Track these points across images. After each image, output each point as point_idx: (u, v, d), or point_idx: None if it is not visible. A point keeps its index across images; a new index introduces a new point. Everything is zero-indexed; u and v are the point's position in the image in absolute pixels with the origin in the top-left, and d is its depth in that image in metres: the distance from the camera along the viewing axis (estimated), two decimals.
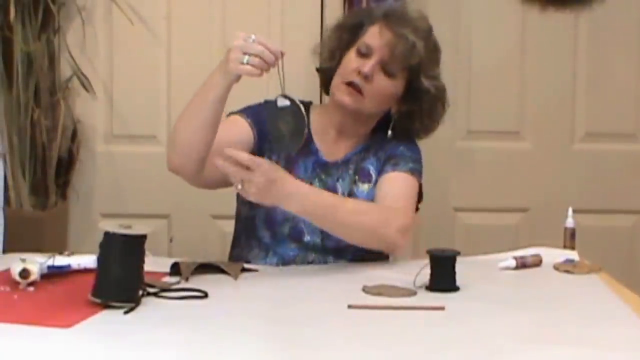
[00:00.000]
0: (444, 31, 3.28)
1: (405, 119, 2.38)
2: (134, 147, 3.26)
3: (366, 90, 2.28)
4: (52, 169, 3.12)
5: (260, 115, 2.31)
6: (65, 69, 3.16)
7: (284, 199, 2.08)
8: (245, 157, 2.03)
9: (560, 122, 3.33)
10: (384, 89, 2.30)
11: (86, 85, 3.17)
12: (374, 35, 2.30)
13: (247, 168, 2.03)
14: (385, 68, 2.29)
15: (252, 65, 2.04)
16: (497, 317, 1.83)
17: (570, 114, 3.33)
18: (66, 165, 3.18)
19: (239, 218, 2.41)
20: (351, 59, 2.31)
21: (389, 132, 2.37)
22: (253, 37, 2.05)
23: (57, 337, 1.65)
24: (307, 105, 2.43)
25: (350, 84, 2.28)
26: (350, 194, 2.33)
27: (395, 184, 2.31)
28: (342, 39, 2.37)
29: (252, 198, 2.05)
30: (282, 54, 2.06)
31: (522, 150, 3.34)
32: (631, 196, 3.33)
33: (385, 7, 2.40)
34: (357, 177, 2.35)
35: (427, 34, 2.34)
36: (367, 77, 2.27)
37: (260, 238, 2.31)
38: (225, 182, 2.24)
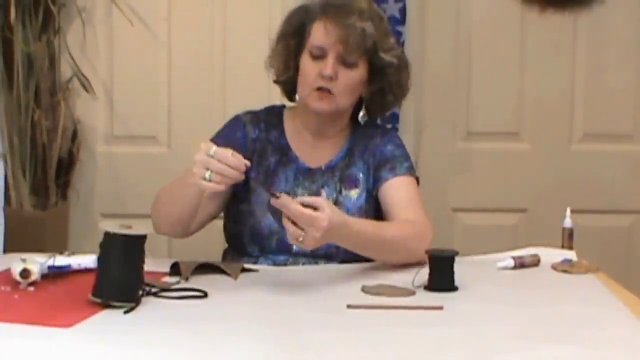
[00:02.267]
0: (444, 32, 3.30)
1: (377, 96, 2.36)
2: (134, 147, 3.27)
3: (335, 89, 2.26)
4: (53, 169, 3.13)
5: (234, 143, 2.27)
6: (65, 70, 3.17)
7: (337, 242, 2.09)
8: (301, 212, 1.94)
9: (558, 123, 3.34)
10: (351, 80, 2.28)
11: (86, 86, 3.17)
12: (321, 34, 2.26)
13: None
14: (344, 62, 2.26)
15: (214, 182, 1.98)
16: (495, 317, 1.83)
17: (568, 115, 3.33)
18: (66, 165, 3.19)
19: (226, 232, 2.40)
20: (308, 65, 2.27)
21: (361, 114, 2.34)
22: (213, 150, 1.97)
23: (57, 336, 1.66)
24: (280, 110, 2.42)
25: (319, 89, 2.26)
26: (337, 202, 2.29)
27: (401, 190, 2.31)
28: (290, 46, 2.34)
29: (309, 248, 2.01)
30: (247, 166, 2.00)
31: (520, 151, 3.35)
32: (629, 196, 3.34)
33: (320, 1, 2.31)
34: (342, 184, 2.33)
35: (371, 12, 2.29)
36: (332, 78, 2.24)
37: (250, 253, 2.31)
38: (209, 222, 2.34)
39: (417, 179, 2.39)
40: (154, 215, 2.28)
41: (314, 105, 2.28)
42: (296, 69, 2.32)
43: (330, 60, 2.24)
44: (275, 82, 2.42)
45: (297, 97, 2.35)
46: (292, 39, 2.34)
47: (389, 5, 3.15)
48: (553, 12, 3.28)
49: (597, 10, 3.27)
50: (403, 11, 3.18)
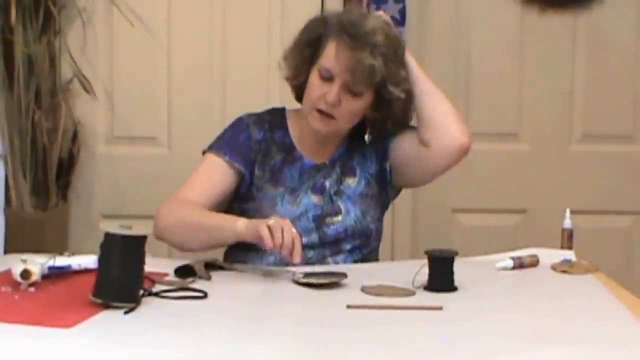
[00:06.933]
0: (444, 33, 3.30)
1: (379, 122, 2.37)
2: (135, 148, 3.27)
3: (337, 114, 2.27)
4: (53, 170, 3.13)
5: (239, 146, 2.34)
6: (66, 71, 3.17)
7: None
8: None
9: (558, 124, 3.34)
10: (353, 107, 2.29)
11: (87, 87, 3.17)
12: (332, 57, 2.25)
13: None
14: (349, 90, 2.25)
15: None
16: (495, 317, 1.84)
17: (568, 115, 3.34)
18: (67, 166, 3.19)
19: None
20: (316, 84, 2.28)
21: (367, 137, 2.38)
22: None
23: (58, 337, 1.66)
24: (282, 111, 2.42)
25: (320, 111, 2.27)
26: (338, 191, 2.36)
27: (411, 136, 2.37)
28: (304, 54, 2.33)
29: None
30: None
31: (520, 151, 3.35)
32: (628, 197, 3.34)
33: (340, 16, 2.31)
34: (343, 175, 2.38)
35: (386, 45, 2.26)
36: (334, 105, 2.25)
37: (257, 247, 2.23)
38: None
39: None
40: (160, 233, 2.27)
41: (313, 125, 2.31)
42: (307, 76, 2.33)
43: (335, 87, 2.25)
44: (287, 79, 2.42)
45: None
46: (307, 48, 2.33)
47: (389, 7, 3.16)
48: (552, 13, 3.28)
49: (596, 11, 3.27)
50: (403, 12, 3.18)
